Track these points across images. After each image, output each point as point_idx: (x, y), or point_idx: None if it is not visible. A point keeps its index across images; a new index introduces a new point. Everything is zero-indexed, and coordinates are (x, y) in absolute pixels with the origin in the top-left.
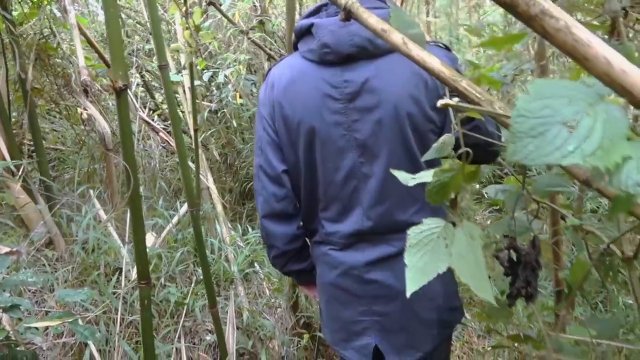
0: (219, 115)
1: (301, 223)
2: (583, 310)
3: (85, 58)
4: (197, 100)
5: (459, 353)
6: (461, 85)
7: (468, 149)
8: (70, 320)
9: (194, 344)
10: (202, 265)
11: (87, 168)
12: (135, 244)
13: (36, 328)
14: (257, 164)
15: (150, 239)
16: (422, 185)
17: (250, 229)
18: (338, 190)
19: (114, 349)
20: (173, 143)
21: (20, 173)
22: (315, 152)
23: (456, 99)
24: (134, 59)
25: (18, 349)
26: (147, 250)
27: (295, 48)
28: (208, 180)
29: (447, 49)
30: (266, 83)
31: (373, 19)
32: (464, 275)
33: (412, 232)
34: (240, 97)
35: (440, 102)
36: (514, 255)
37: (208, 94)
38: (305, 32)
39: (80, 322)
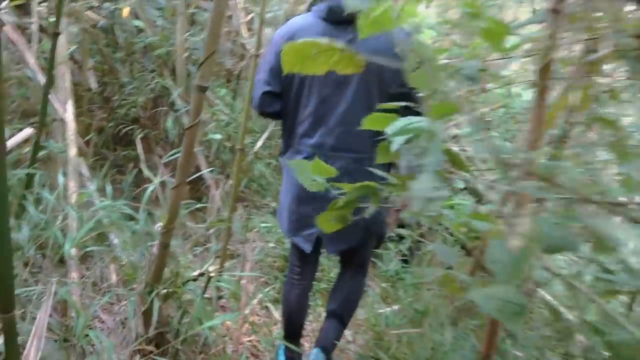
0: (109, 35)
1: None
2: None
3: None
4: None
5: None
6: None
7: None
8: None
9: None
10: None
11: None
12: None
13: None
14: (257, 79)
15: None
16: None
17: (112, 188)
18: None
19: None
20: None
21: None
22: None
23: None
24: None
25: None
26: None
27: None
28: (66, 108)
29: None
30: (285, 25)
31: None
32: None
33: None
34: (130, 13)
35: None
36: None
37: (97, 4)
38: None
39: None
